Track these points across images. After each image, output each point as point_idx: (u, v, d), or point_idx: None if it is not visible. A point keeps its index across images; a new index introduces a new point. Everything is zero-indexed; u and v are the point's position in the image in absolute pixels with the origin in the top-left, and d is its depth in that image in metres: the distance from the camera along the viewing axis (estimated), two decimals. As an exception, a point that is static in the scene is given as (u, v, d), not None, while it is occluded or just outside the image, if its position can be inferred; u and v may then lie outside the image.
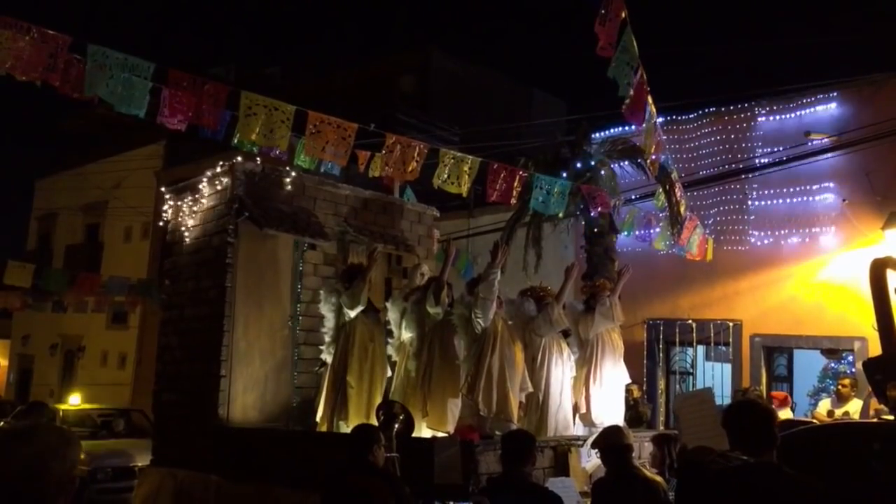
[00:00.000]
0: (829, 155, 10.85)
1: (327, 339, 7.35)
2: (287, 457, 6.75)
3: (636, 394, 10.08)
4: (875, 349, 8.53)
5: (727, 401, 10.24)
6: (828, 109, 11.24)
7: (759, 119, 11.92)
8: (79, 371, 22.63)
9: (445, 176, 7.17)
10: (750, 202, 11.79)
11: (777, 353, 11.89)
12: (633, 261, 9.16)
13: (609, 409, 7.22)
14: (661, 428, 10.62)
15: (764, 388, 11.20)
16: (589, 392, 7.25)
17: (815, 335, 11.05)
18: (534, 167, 9.79)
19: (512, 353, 6.66)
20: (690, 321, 11.95)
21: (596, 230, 10.91)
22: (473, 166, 7.30)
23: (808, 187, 11.19)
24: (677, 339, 12.21)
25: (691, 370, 12.56)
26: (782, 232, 11.43)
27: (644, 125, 6.83)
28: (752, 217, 11.76)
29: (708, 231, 10.79)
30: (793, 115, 11.58)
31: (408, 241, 9.15)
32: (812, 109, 11.38)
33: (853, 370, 10.24)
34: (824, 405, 9.60)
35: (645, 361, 12.43)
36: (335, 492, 3.83)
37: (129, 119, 6.53)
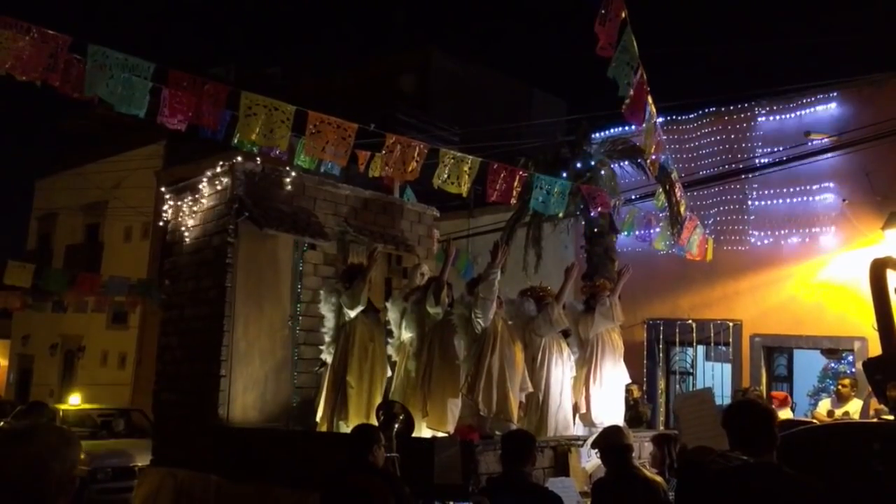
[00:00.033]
0: (830, 155, 10.85)
1: (327, 339, 7.35)
2: (287, 457, 6.75)
3: (636, 394, 10.08)
4: (875, 349, 8.53)
5: (727, 401, 10.24)
6: (828, 109, 11.24)
7: (759, 119, 11.92)
8: (79, 371, 22.63)
9: (445, 176, 7.17)
10: (750, 202, 11.79)
11: (777, 353, 11.89)
12: (633, 261, 9.16)
13: (609, 409, 7.21)
14: (661, 428, 10.62)
15: (764, 388, 11.20)
16: (589, 392, 7.25)
17: (815, 335, 11.05)
18: (534, 167, 9.79)
19: (512, 353, 6.66)
20: (690, 321, 11.95)
21: (596, 230, 10.90)
22: (473, 166, 7.30)
23: (808, 187, 11.19)
24: (677, 339, 12.22)
25: (691, 370, 12.57)
26: (782, 232, 11.43)
27: (644, 125, 6.83)
28: (752, 217, 11.76)
29: (708, 231, 10.79)
30: (793, 114, 11.58)
31: (408, 241, 9.15)
32: (812, 109, 11.38)
33: (853, 370, 10.24)
34: (824, 405, 9.60)
35: (645, 361, 12.43)
36: (335, 492, 3.83)
37: (130, 119, 6.53)
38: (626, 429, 5.03)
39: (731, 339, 11.76)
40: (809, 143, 11.08)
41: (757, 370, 11.61)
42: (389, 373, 7.25)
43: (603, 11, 5.92)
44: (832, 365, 10.93)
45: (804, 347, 11.46)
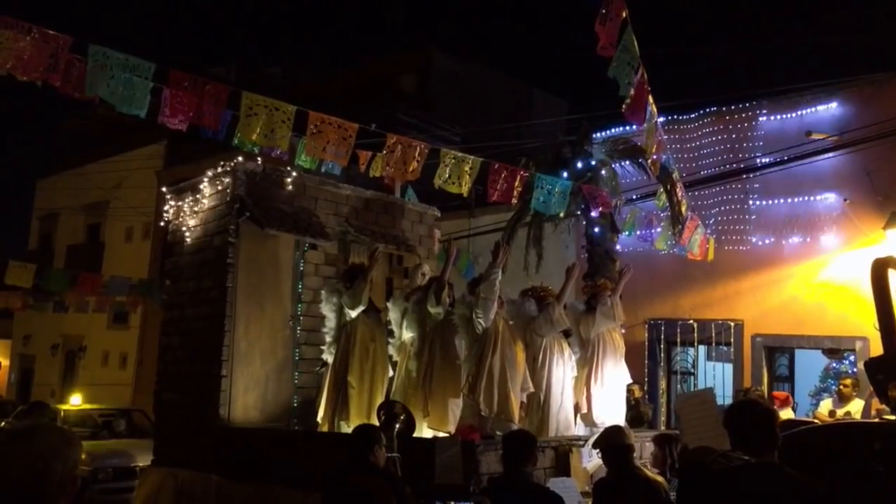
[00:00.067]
0: (831, 155, 10.84)
1: (328, 339, 7.35)
2: (288, 457, 6.76)
3: (637, 394, 10.07)
4: (876, 349, 8.53)
5: (728, 401, 10.23)
6: (829, 109, 11.23)
7: (761, 119, 11.91)
8: (80, 371, 22.65)
9: (446, 176, 7.17)
10: (751, 202, 11.78)
11: (778, 353, 11.88)
12: (635, 261, 9.16)
13: (610, 409, 7.21)
14: (663, 428, 10.62)
15: (765, 388, 11.19)
16: (590, 392, 7.25)
17: (816, 335, 11.04)
18: (535, 167, 9.79)
19: (513, 353, 6.66)
20: (692, 321, 11.95)
21: (597, 230, 10.89)
22: (474, 166, 7.30)
23: (809, 187, 11.18)
24: (678, 339, 12.21)
25: (692, 370, 12.55)
26: (783, 232, 11.41)
27: (645, 125, 6.83)
28: (754, 217, 11.75)
29: (709, 231, 10.78)
30: (794, 114, 11.56)
31: (409, 241, 9.15)
32: (813, 109, 11.37)
33: (855, 370, 10.23)
34: (826, 405, 9.59)
35: (646, 361, 12.43)
36: (336, 492, 3.83)
37: (130, 119, 6.54)
38: (627, 429, 5.02)
39: (732, 339, 11.74)
40: (811, 143, 11.07)
41: (758, 370, 11.60)
42: (391, 373, 7.25)
43: (603, 11, 5.91)
44: (833, 365, 10.92)
45: (805, 347, 11.45)
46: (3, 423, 12.41)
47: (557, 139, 12.09)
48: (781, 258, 11.43)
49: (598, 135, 12.50)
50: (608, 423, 5.90)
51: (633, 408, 9.15)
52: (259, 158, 8.05)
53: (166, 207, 9.06)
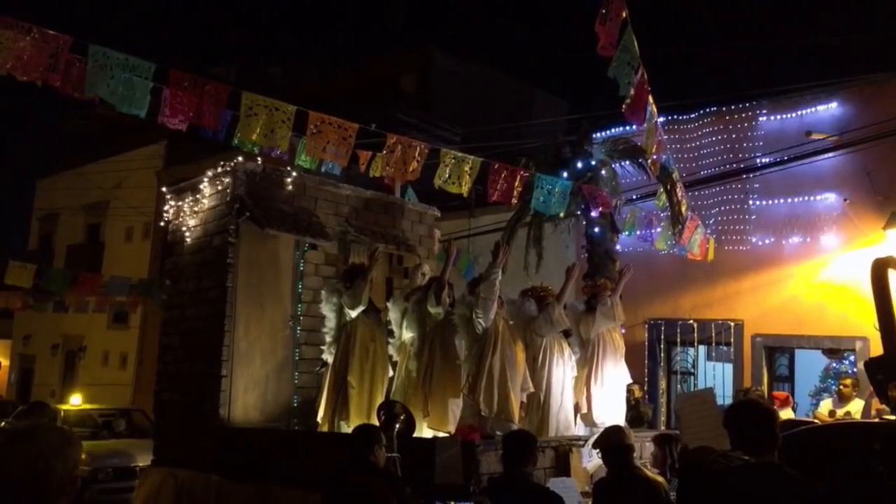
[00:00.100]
0: (831, 155, 10.84)
1: (328, 339, 7.35)
2: (288, 457, 6.76)
3: (637, 394, 10.06)
4: (876, 349, 8.53)
5: (729, 401, 10.23)
6: (829, 109, 11.23)
7: (761, 119, 11.91)
8: (80, 371, 22.65)
9: (446, 176, 7.17)
10: (751, 202, 11.78)
11: (778, 353, 11.88)
12: (635, 261, 9.15)
13: (610, 409, 7.21)
14: (663, 428, 10.62)
15: (765, 388, 11.19)
16: (590, 392, 7.25)
17: (816, 335, 11.04)
18: (535, 167, 9.78)
19: (513, 353, 6.65)
20: (692, 321, 11.95)
21: (597, 230, 10.89)
22: (474, 166, 7.30)
23: (809, 187, 11.18)
24: (678, 339, 12.21)
25: (692, 370, 12.55)
26: (783, 232, 11.41)
27: (645, 125, 6.83)
28: (754, 217, 11.75)
29: (709, 231, 10.78)
30: (794, 114, 11.56)
31: (409, 241, 9.15)
32: (813, 109, 11.37)
33: (855, 370, 10.23)
34: (826, 405, 9.59)
35: (646, 361, 12.43)
36: (336, 492, 3.83)
37: (130, 119, 6.54)
38: (627, 429, 5.02)
39: (732, 339, 11.74)
40: (811, 143, 11.07)
41: (758, 370, 11.60)
42: (391, 373, 7.25)
43: (603, 11, 5.91)
44: (833, 365, 10.92)
45: (805, 347, 11.45)
46: (3, 423, 12.41)
47: (557, 139, 12.09)
48: (781, 258, 11.43)
49: (599, 135, 12.49)
50: (608, 423, 5.90)
51: (633, 408, 9.15)
52: (259, 158, 8.05)
53: (166, 207, 9.05)
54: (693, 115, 12.53)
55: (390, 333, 7.40)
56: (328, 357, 7.30)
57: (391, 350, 7.34)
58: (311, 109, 6.43)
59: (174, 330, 8.62)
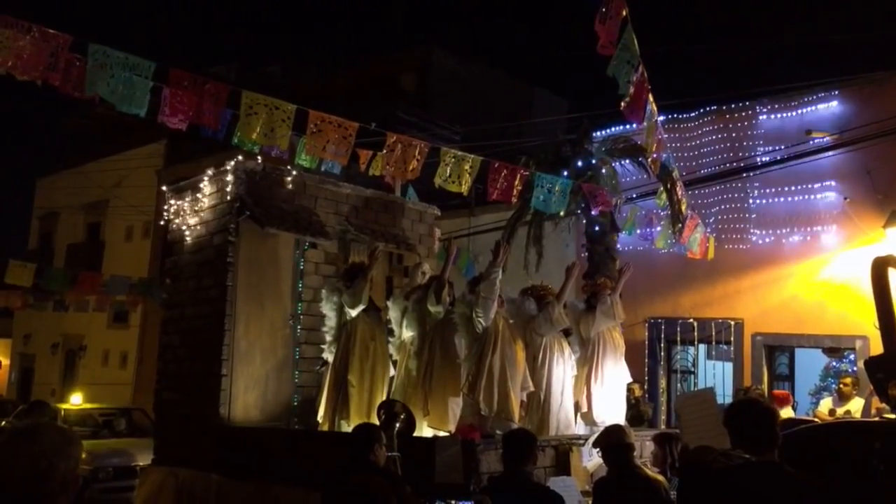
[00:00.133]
0: (831, 153, 10.84)
1: (328, 337, 7.35)
2: (288, 456, 6.76)
3: (637, 393, 10.07)
4: (876, 348, 8.53)
5: (729, 400, 10.23)
6: (829, 108, 11.23)
7: (761, 117, 11.91)
8: (80, 370, 22.66)
9: (447, 175, 7.17)
10: (751, 200, 11.78)
11: (778, 351, 11.88)
12: (635, 259, 9.16)
13: (610, 407, 7.21)
14: (663, 427, 10.62)
15: (765, 386, 11.19)
16: (590, 391, 7.25)
17: (816, 334, 11.04)
18: (535, 166, 9.78)
19: (513, 352, 6.65)
20: (692, 320, 11.94)
21: (597, 229, 10.90)
22: (474, 165, 7.29)
23: (809, 186, 11.18)
24: (678, 338, 12.21)
25: (692, 369, 12.56)
26: (783, 230, 11.42)
27: (645, 123, 6.82)
28: (754, 215, 11.75)
29: (709, 229, 10.78)
30: (794, 113, 11.56)
31: (409, 240, 9.15)
32: (813, 108, 11.37)
33: (855, 369, 10.23)
34: (826, 404, 9.59)
35: (646, 360, 12.43)
36: (336, 491, 3.84)
37: (130, 118, 6.54)
38: (627, 428, 5.02)
39: (732, 338, 11.74)
40: (811, 142, 11.07)
41: (758, 369, 11.60)
42: (392, 371, 7.24)
43: (603, 10, 5.91)
44: (834, 363, 10.92)
45: (806, 346, 11.45)
46: (3, 423, 12.40)
47: (557, 138, 12.09)
48: (781, 257, 11.43)
49: (599, 133, 12.50)
50: (608, 422, 5.90)
51: (633, 407, 9.15)
52: (259, 157, 8.05)
53: (166, 206, 9.05)
54: (693, 114, 12.52)
55: (390, 332, 7.40)
56: (328, 356, 7.30)
57: (391, 349, 7.34)
58: (311, 108, 6.43)
59: (174, 329, 8.62)
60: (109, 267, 20.73)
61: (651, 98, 6.72)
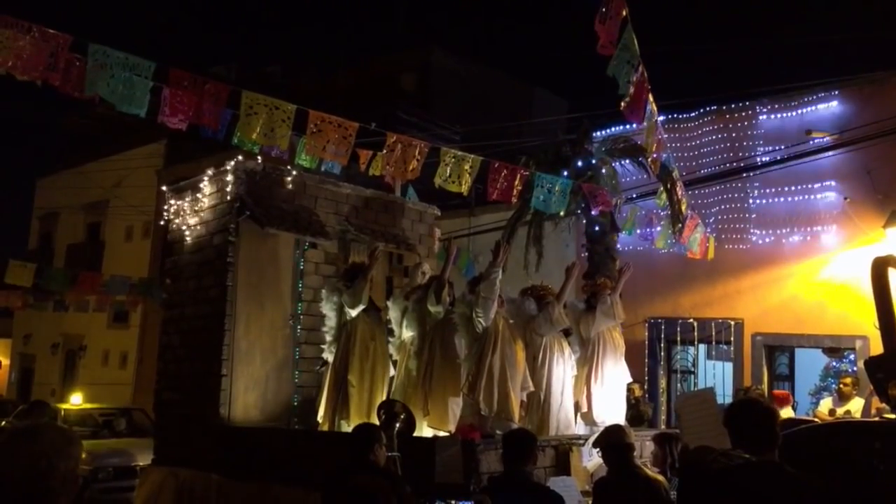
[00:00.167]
0: (831, 153, 10.84)
1: (328, 338, 7.35)
2: (288, 456, 6.76)
3: (637, 393, 10.07)
4: (877, 348, 8.52)
5: (729, 400, 10.23)
6: (829, 107, 11.23)
7: (761, 117, 11.91)
8: (80, 370, 22.66)
9: (447, 175, 7.17)
10: (751, 200, 11.78)
11: (778, 351, 11.88)
12: (635, 259, 9.15)
13: (610, 407, 7.21)
14: (663, 427, 10.62)
15: (765, 386, 11.20)
16: (590, 391, 7.25)
17: (816, 334, 11.04)
18: (535, 166, 9.78)
19: (513, 352, 6.65)
20: (692, 320, 11.94)
21: (597, 229, 10.90)
22: (474, 165, 7.29)
23: (809, 186, 11.18)
24: (678, 338, 12.21)
25: (693, 369, 12.56)
26: (783, 230, 11.42)
27: (645, 123, 6.82)
28: (754, 215, 11.75)
29: (709, 229, 10.78)
30: (794, 113, 11.57)
31: (409, 240, 9.14)
32: (813, 108, 11.37)
33: (855, 369, 10.23)
34: (826, 404, 9.59)
35: (646, 360, 12.43)
36: (337, 491, 3.84)
37: (130, 118, 6.54)
38: (627, 427, 5.02)
39: (732, 338, 11.74)
40: (811, 142, 11.07)
41: (758, 369, 11.60)
42: (392, 372, 7.24)
43: (603, 10, 5.91)
44: (834, 363, 10.92)
45: (806, 346, 11.45)
46: (3, 423, 12.40)
47: (557, 138, 12.09)
48: (781, 257, 11.43)
49: (599, 133, 12.51)
50: (608, 422, 5.90)
51: (633, 406, 9.16)
52: (259, 157, 8.05)
53: (166, 206, 9.05)
54: (693, 114, 12.53)
55: (390, 332, 7.39)
56: (328, 356, 7.29)
57: (391, 349, 7.34)
58: (311, 108, 6.43)
59: (174, 329, 8.62)
60: (109, 267, 20.73)
61: (651, 98, 6.72)
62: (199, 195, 8.39)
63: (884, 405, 7.47)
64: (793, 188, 11.34)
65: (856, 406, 9.19)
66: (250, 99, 6.07)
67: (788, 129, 11.51)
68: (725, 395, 10.95)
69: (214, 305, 7.75)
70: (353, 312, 7.04)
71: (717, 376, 11.72)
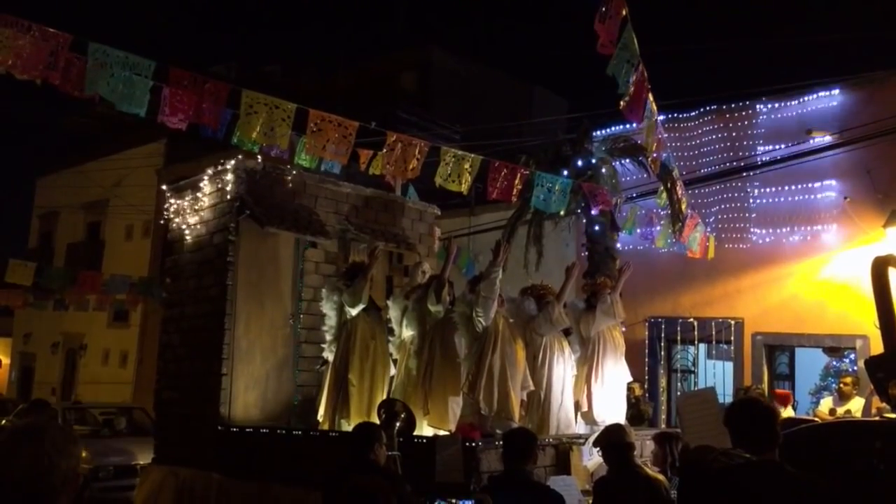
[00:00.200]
0: (831, 152, 10.84)
1: (329, 337, 7.35)
2: (288, 455, 6.76)
3: (638, 392, 10.07)
4: (877, 347, 8.53)
5: (729, 399, 10.24)
6: (829, 107, 11.23)
7: (761, 116, 11.91)
8: (80, 369, 22.67)
9: (447, 174, 7.16)
10: (751, 200, 11.78)
11: (779, 351, 11.89)
12: (635, 259, 9.16)
13: (610, 407, 7.21)
14: (663, 426, 10.62)
15: (766, 386, 11.20)
16: (590, 390, 7.25)
17: (816, 333, 11.05)
18: (535, 165, 9.77)
19: (513, 352, 6.65)
20: (692, 319, 11.94)
21: (597, 228, 10.90)
22: (474, 164, 7.29)
23: (809, 185, 11.18)
24: (679, 338, 12.21)
25: (693, 368, 12.56)
26: (784, 229, 11.42)
27: (645, 123, 6.82)
28: (754, 215, 11.75)
29: (709, 229, 10.78)
30: (794, 112, 11.57)
31: (409, 239, 9.14)
32: (813, 107, 11.37)
33: (855, 368, 10.24)
34: (826, 403, 9.59)
35: (646, 359, 12.43)
36: (337, 490, 3.83)
37: (130, 117, 6.53)
38: (627, 427, 5.02)
39: (732, 338, 11.75)
40: (811, 141, 11.07)
41: (759, 368, 11.61)
42: (392, 371, 7.24)
43: (603, 9, 5.91)
44: (834, 363, 10.93)
45: (806, 345, 11.45)
46: (3, 422, 12.41)
47: (557, 137, 12.10)
48: (782, 256, 11.43)
49: (599, 133, 12.50)
50: (608, 422, 5.90)
51: (633, 406, 9.16)
52: (259, 157, 8.04)
53: (166, 205, 9.04)
54: (693, 113, 12.53)
55: (390, 331, 7.39)
56: (328, 355, 7.29)
57: (391, 348, 7.34)
58: (311, 108, 6.42)
59: (174, 328, 8.62)
60: (109, 266, 20.74)
61: (651, 97, 6.72)
62: (199, 194, 8.39)
63: (884, 405, 7.47)
64: (793, 187, 11.34)
65: (856, 406, 9.19)
66: (250, 98, 6.06)
67: (788, 128, 11.51)
68: (726, 395, 10.94)
69: (214, 304, 7.75)
70: (354, 311, 7.04)
71: (717, 376, 11.72)
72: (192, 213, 8.51)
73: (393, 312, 7.34)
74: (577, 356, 7.37)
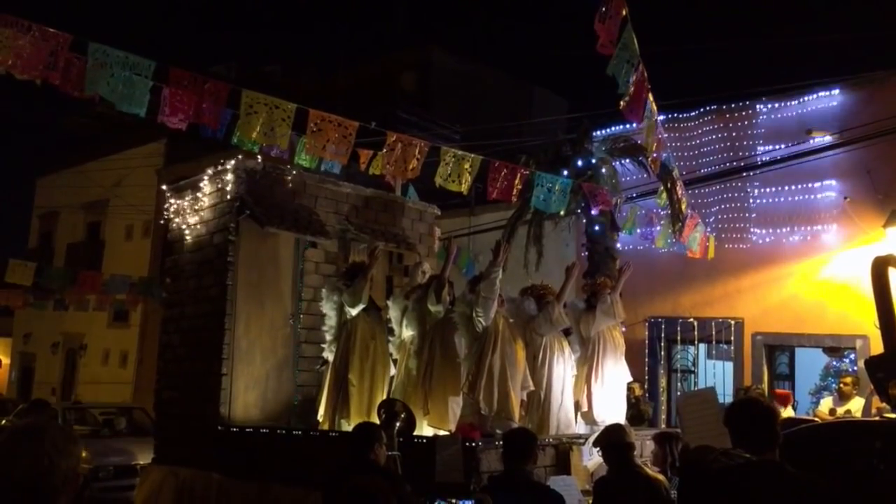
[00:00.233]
0: (831, 152, 10.84)
1: (329, 337, 7.35)
2: (288, 455, 6.76)
3: (638, 392, 10.07)
4: (877, 347, 8.53)
5: (729, 399, 10.24)
6: (829, 107, 11.23)
7: (761, 116, 11.91)
8: (80, 369, 22.67)
9: (447, 174, 7.16)
10: (751, 200, 11.78)
11: (779, 351, 11.89)
12: (635, 259, 9.15)
13: (610, 407, 7.20)
14: (663, 426, 10.62)
15: (766, 386, 11.20)
16: (590, 390, 7.24)
17: (816, 333, 11.05)
18: (535, 165, 9.78)
19: (513, 352, 6.65)
20: (692, 319, 11.94)
21: (597, 228, 10.90)
22: (474, 164, 7.29)
23: (809, 185, 11.18)
24: (679, 338, 12.21)
25: (693, 368, 12.56)
26: (784, 229, 11.42)
27: (645, 123, 6.82)
28: (754, 215, 11.75)
29: (709, 229, 10.78)
30: (794, 112, 11.57)
31: (409, 239, 9.14)
32: (813, 107, 11.37)
33: (855, 368, 10.24)
34: (826, 403, 9.60)
35: (646, 359, 12.43)
36: (337, 490, 3.83)
37: (130, 117, 6.53)
38: (627, 427, 5.02)
39: (732, 338, 11.75)
40: (811, 141, 11.07)
41: (759, 368, 11.61)
42: (392, 371, 7.24)
43: (603, 9, 5.91)
44: (834, 363, 10.93)
45: (806, 346, 11.45)
46: (3, 422, 12.41)
47: (557, 137, 12.10)
48: (782, 256, 11.43)
49: (599, 133, 12.51)
50: (608, 422, 5.90)
51: (633, 406, 9.16)
52: (259, 157, 8.04)
53: (166, 205, 9.04)
54: (693, 113, 12.53)
55: (390, 331, 7.39)
56: (328, 355, 7.29)
57: (391, 348, 7.34)
58: (311, 108, 6.42)
59: (174, 328, 8.62)
60: (109, 266, 20.74)
61: (651, 97, 6.72)
62: (199, 194, 8.39)
63: (884, 405, 7.47)
64: (793, 187, 11.34)
65: (856, 406, 9.19)
66: (250, 98, 6.06)
67: (788, 128, 11.51)
68: (726, 395, 10.95)
69: (214, 304, 7.75)
70: (354, 312, 7.04)
71: (717, 376, 11.72)
72: (192, 213, 8.51)
73: (393, 312, 7.34)
74: (577, 356, 7.37)
